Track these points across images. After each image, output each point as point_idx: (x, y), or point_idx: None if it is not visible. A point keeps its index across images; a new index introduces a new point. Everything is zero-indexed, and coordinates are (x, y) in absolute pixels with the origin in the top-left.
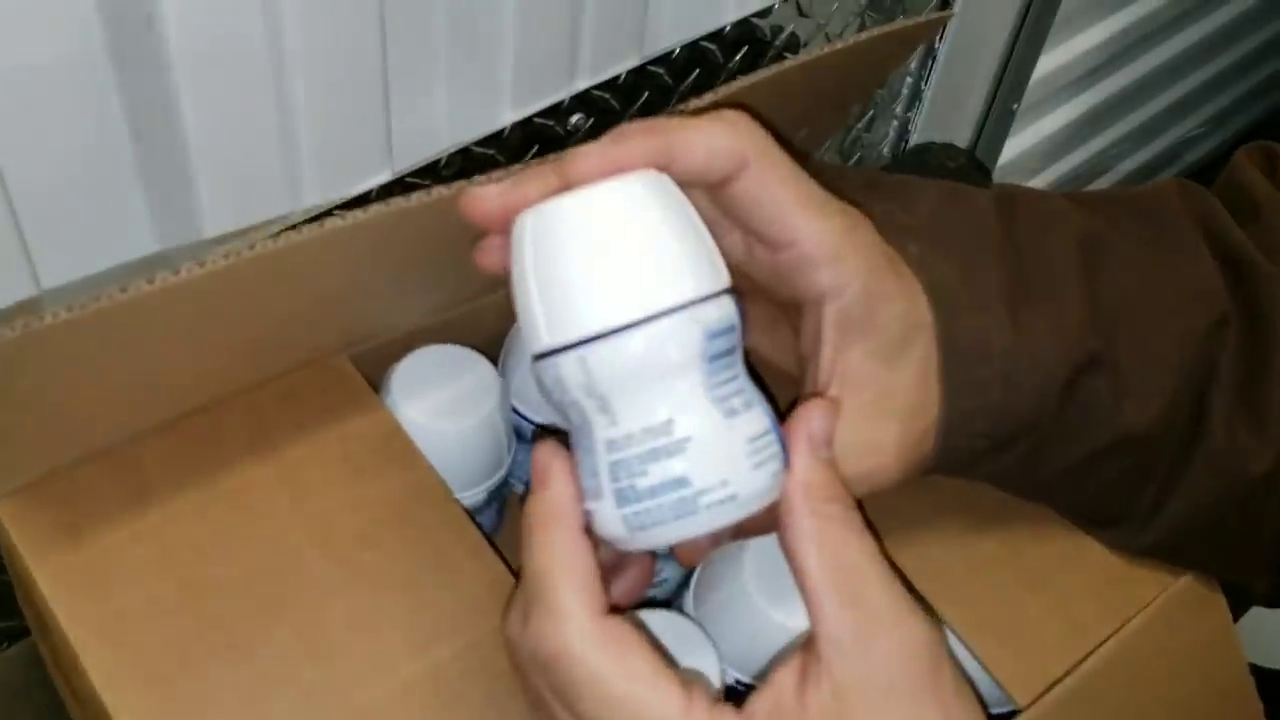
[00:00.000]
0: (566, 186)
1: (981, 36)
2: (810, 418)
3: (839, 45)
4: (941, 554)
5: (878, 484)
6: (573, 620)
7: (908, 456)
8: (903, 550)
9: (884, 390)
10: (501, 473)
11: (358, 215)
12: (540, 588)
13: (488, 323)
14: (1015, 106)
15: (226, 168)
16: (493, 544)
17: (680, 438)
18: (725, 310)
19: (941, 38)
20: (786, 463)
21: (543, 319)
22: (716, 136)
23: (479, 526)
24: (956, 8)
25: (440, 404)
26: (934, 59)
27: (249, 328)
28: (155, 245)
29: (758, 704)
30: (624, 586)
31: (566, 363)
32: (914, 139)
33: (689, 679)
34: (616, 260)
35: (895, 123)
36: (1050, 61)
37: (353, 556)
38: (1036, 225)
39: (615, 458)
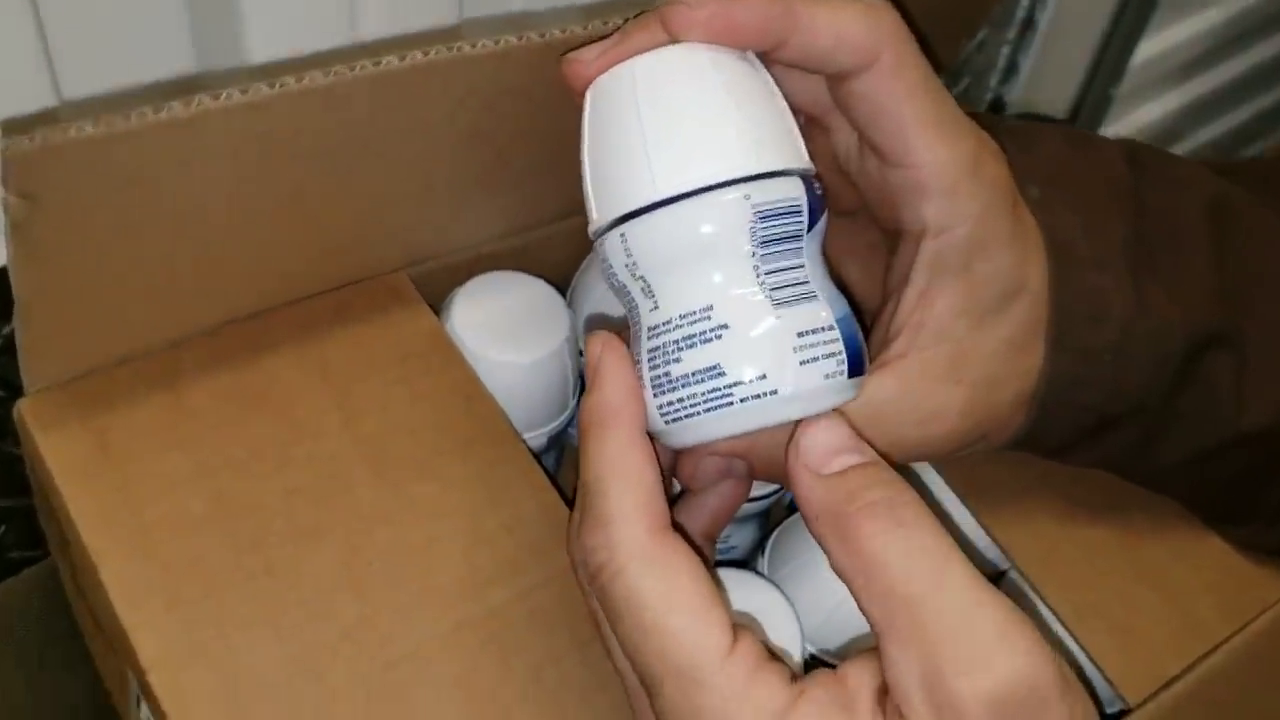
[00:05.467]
0: (672, 39)
1: (1083, 11)
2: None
3: None
4: (1047, 535)
5: (927, 456)
6: (621, 530)
7: (970, 429)
8: (1004, 528)
9: (961, 351)
10: (564, 417)
11: (416, 57)
12: (592, 494)
13: (559, 251)
14: (1113, 91)
15: None
16: (557, 485)
17: (718, 323)
18: (787, 191)
19: (1041, 7)
20: (855, 370)
21: (593, 195)
22: (848, 22)
23: (543, 467)
24: None
25: (504, 335)
26: (1033, 29)
27: (297, 189)
28: (192, 64)
29: (818, 691)
30: (703, 512)
31: (611, 242)
32: (1007, 114)
33: (742, 624)
34: (662, 132)
35: (989, 96)
36: (1152, 46)
37: (406, 486)
38: (1164, 184)
39: (654, 343)
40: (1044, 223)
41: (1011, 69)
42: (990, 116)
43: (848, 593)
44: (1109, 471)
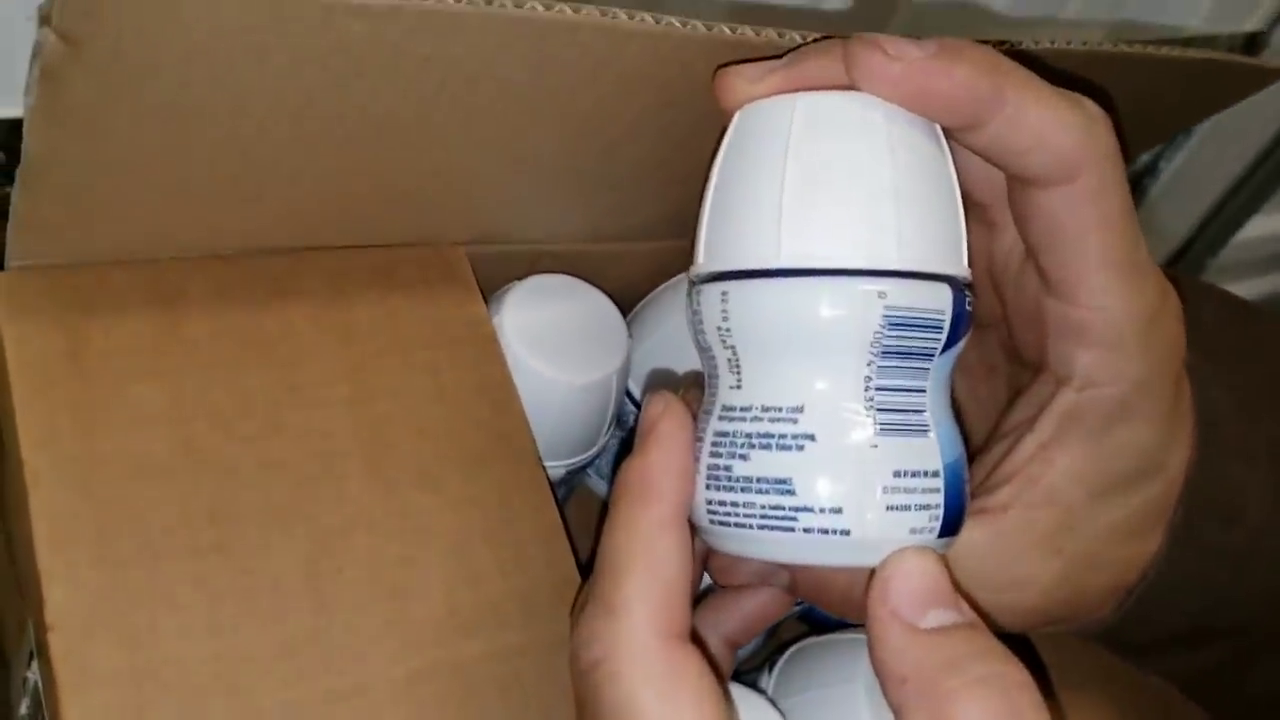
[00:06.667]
0: (850, 83)
1: (1200, 177)
2: None
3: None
4: None
5: (996, 627)
6: (628, 626)
7: (1052, 608)
8: None
9: (1070, 521)
10: (590, 453)
11: (564, 11)
12: (606, 575)
13: (634, 271)
14: (1210, 261)
15: None
16: (570, 534)
17: (804, 431)
18: (932, 299)
19: (1167, 160)
20: (948, 529)
21: (705, 235)
22: (1058, 126)
23: (559, 508)
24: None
25: (553, 346)
26: (1155, 175)
27: (378, 122)
28: None
29: None
30: (735, 615)
31: (709, 295)
32: None
33: None
34: (805, 190)
35: None
36: (1260, 226)
37: (400, 490)
38: None
39: (724, 427)
40: (1196, 398)
41: None
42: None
43: None
44: (1181, 689)
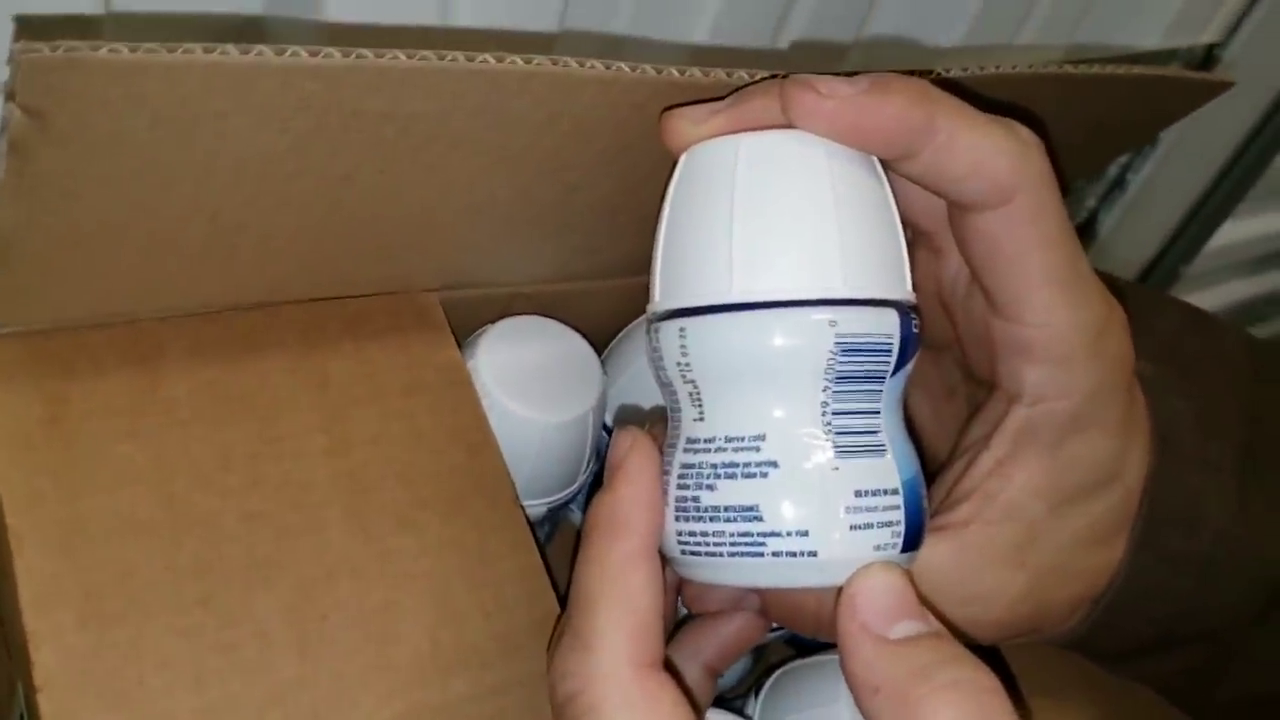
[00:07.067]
0: (788, 121)
1: (1175, 184)
2: None
3: (1131, 69)
4: None
5: (966, 641)
6: (602, 659)
7: (1021, 620)
8: None
9: (1031, 534)
10: (570, 490)
11: (516, 62)
12: (579, 609)
13: (605, 309)
14: (1184, 268)
15: None
16: (550, 573)
17: (766, 459)
18: (880, 324)
19: (1135, 170)
20: (910, 544)
21: (659, 274)
22: (991, 152)
23: (540, 547)
24: (1225, 71)
25: (528, 387)
26: (1121, 190)
27: (343, 177)
28: (260, 6)
29: None
30: (714, 640)
31: (668, 332)
32: None
33: None
34: (753, 227)
35: None
36: (1232, 232)
37: (381, 536)
38: None
39: (689, 460)
40: (1152, 407)
41: (1089, 225)
42: (1108, 275)
43: None
44: (1157, 693)
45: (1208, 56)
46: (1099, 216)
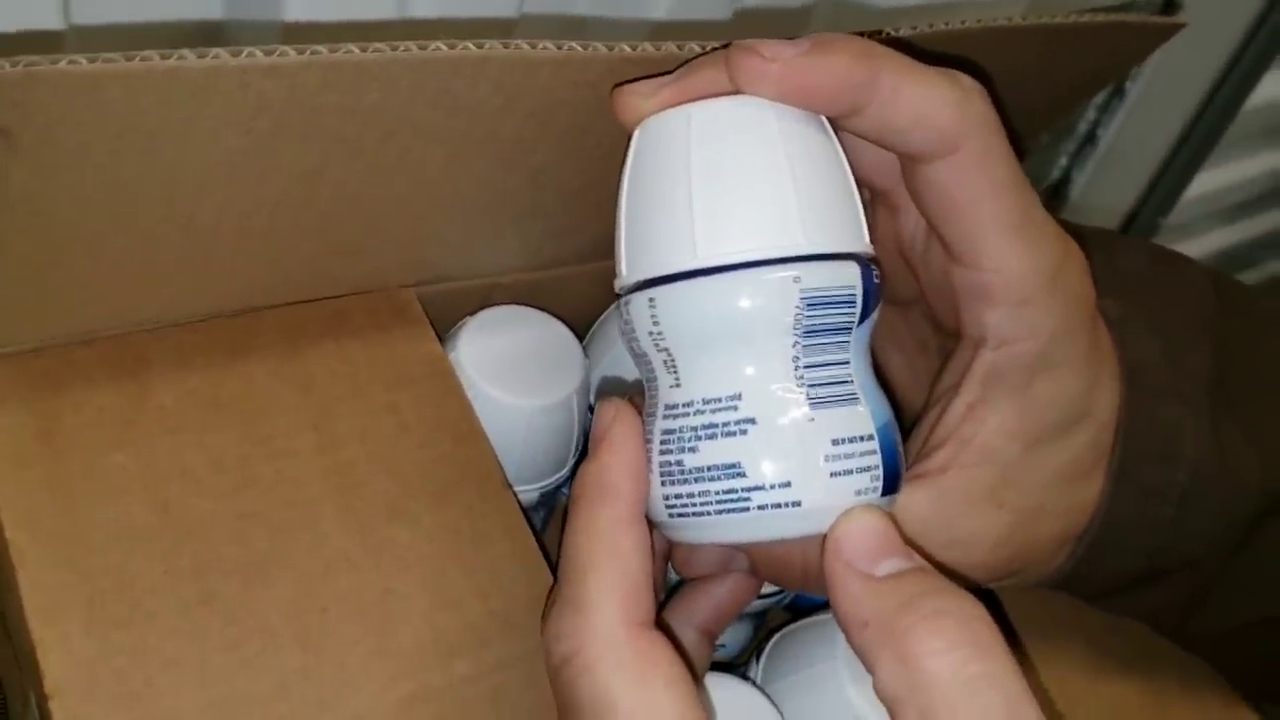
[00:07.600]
0: (736, 88)
1: (1145, 136)
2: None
3: (1080, 18)
4: (1072, 689)
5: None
6: (596, 620)
7: (1005, 562)
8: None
9: (1008, 476)
10: (562, 474)
11: (468, 48)
12: (571, 575)
13: (583, 294)
14: (1162, 220)
15: None
16: (544, 549)
17: (744, 416)
18: (842, 277)
19: (1105, 125)
20: (889, 487)
21: (624, 248)
22: (934, 102)
23: (534, 529)
24: (1185, 17)
25: (511, 374)
26: (1093, 145)
27: (309, 176)
28: (220, 10)
29: None
30: (708, 603)
31: (638, 304)
32: None
33: None
34: (710, 193)
35: None
36: (1208, 182)
37: (375, 528)
38: (1248, 321)
39: (670, 425)
40: (1120, 344)
41: (1064, 182)
42: (1069, 222)
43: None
44: (1147, 625)
45: (1168, 3)
46: (1072, 175)
